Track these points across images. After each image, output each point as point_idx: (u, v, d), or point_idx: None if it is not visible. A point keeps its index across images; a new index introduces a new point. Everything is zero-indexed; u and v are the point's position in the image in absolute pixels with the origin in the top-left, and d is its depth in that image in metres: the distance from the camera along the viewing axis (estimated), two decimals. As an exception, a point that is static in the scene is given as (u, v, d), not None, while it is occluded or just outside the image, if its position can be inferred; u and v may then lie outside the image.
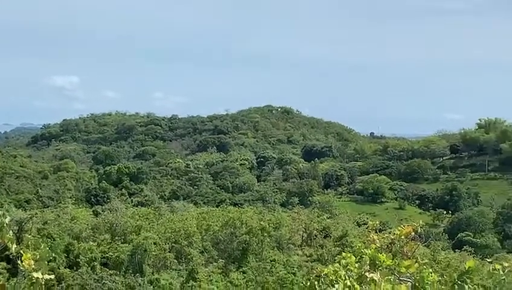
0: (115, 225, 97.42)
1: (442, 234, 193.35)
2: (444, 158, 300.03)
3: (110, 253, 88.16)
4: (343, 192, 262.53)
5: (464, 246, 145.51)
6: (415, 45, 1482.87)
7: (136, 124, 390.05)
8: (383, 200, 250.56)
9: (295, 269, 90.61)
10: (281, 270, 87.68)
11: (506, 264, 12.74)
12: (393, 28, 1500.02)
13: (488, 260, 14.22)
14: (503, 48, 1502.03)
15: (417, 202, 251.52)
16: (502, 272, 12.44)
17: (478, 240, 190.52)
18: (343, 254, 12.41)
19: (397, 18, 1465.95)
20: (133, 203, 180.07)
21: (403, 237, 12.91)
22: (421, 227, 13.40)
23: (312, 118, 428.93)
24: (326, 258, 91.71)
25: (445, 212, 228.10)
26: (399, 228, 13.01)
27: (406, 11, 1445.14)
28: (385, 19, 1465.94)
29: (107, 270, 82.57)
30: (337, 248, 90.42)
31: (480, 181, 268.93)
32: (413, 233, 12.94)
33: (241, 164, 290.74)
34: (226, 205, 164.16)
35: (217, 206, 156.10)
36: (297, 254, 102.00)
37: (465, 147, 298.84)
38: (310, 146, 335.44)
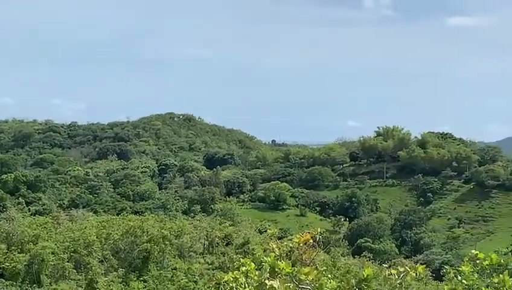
0: (11, 235, 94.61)
1: (342, 240, 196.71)
2: (344, 165, 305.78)
3: (6, 263, 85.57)
4: (245, 199, 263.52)
5: (363, 252, 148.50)
6: (315, 52, 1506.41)
7: (34, 131, 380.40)
8: (284, 207, 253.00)
9: (197, 277, 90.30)
10: (182, 279, 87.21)
11: (401, 269, 12.95)
12: (296, 34, 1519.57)
13: (385, 265, 14.40)
14: (401, 58, 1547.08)
15: (318, 208, 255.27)
16: (397, 277, 12.65)
17: (377, 245, 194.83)
18: (243, 261, 12.34)
19: (294, 24, 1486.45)
20: (30, 212, 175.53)
21: (302, 244, 12.94)
22: (320, 234, 13.47)
23: (214, 125, 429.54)
24: (228, 265, 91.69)
25: (344, 218, 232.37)
26: (298, 236, 13.03)
27: (304, 18, 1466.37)
28: (285, 24, 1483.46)
29: (3, 281, 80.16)
30: (239, 255, 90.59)
31: (378, 188, 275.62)
32: (311, 240, 12.99)
33: (142, 172, 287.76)
34: (127, 213, 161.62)
35: (118, 215, 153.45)
36: (199, 262, 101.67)
37: (364, 155, 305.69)
38: (212, 153, 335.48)
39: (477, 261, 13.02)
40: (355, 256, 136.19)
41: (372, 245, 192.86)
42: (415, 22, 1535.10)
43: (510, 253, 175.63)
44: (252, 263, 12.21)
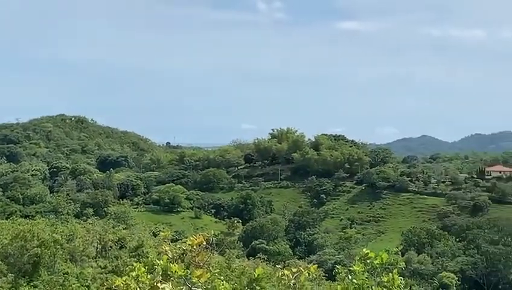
0: None
1: (237, 242, 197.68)
2: (239, 167, 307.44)
3: None
4: (140, 202, 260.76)
5: (258, 254, 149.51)
6: (209, 55, 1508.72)
7: None
8: (179, 209, 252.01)
9: (89, 281, 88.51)
10: (74, 283, 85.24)
11: (294, 270, 13.03)
12: (190, 37, 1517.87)
13: (279, 266, 14.48)
14: (294, 61, 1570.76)
15: (213, 211, 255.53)
16: (291, 277, 12.72)
17: (271, 247, 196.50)
18: (135, 265, 12.14)
19: (188, 27, 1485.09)
20: None
21: (195, 246, 12.83)
22: (214, 236, 13.40)
23: (107, 127, 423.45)
24: (121, 269, 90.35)
25: (239, 220, 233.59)
26: (191, 238, 12.92)
27: (197, 21, 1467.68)
28: (179, 28, 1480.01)
29: None
30: (133, 259, 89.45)
31: (273, 190, 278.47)
32: (205, 242, 12.91)
33: (32, 175, 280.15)
34: (16, 217, 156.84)
35: (7, 219, 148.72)
36: (92, 266, 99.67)
37: (259, 157, 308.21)
38: (105, 156, 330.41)
39: (368, 261, 13.23)
40: (250, 258, 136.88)
41: (267, 246, 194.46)
42: (307, 25, 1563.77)
43: (399, 252, 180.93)
44: (142, 267, 12.02)
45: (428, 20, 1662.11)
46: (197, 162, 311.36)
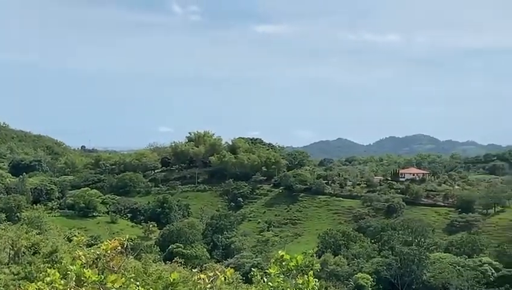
0: None
1: (154, 246, 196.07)
2: (156, 171, 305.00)
3: None
4: (54, 207, 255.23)
5: (175, 258, 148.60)
6: (123, 57, 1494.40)
7: None
8: (94, 214, 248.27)
9: (1, 288, 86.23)
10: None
11: (211, 274, 13.01)
12: (104, 38, 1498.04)
13: (195, 270, 14.43)
14: (211, 64, 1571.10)
15: (129, 215, 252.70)
16: (207, 281, 12.69)
17: (188, 251, 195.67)
18: (48, 271, 11.92)
19: (103, 28, 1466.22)
20: None
21: (109, 251, 12.66)
22: (131, 240, 13.27)
23: (21, 131, 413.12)
24: (35, 275, 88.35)
25: (156, 224, 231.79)
26: (105, 243, 12.74)
27: (112, 22, 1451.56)
28: (93, 28, 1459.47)
29: None
30: (47, 265, 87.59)
31: (190, 193, 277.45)
32: (120, 247, 12.75)
33: None
34: None
35: None
36: (4, 273, 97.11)
37: (176, 160, 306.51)
38: (17, 160, 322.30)
39: (283, 263, 13.33)
40: (167, 262, 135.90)
41: (184, 250, 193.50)
42: (224, 28, 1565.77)
43: (315, 254, 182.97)
44: (57, 273, 11.81)
45: (344, 24, 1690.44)
46: (113, 166, 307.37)
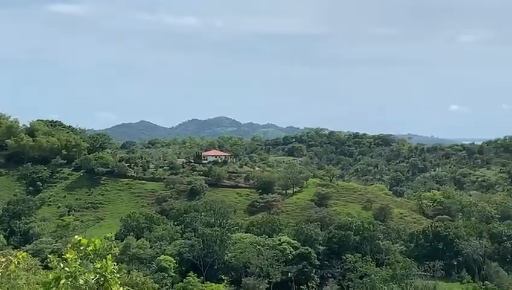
0: None
1: None
2: None
3: None
4: None
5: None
6: None
7: None
8: None
9: None
10: None
11: (3, 259, 12.23)
12: None
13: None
14: (11, 45, 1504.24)
15: None
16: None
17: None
18: None
19: None
20: None
21: None
22: None
23: None
24: None
25: None
26: None
27: None
28: None
29: None
30: None
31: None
32: None
33: None
34: None
35: None
36: None
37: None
38: None
39: (81, 248, 12.75)
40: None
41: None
42: (16, 7, 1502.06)
43: (118, 238, 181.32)
44: None
45: (144, 5, 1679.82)
46: None
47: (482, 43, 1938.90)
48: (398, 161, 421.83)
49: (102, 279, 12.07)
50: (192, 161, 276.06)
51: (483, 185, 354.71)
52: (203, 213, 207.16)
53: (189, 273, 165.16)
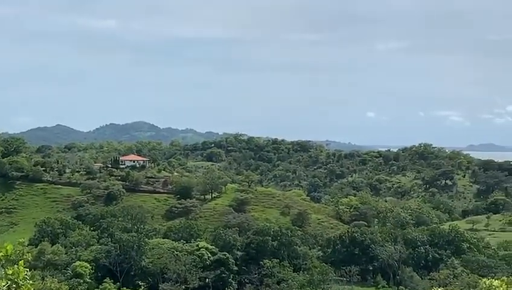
0: None
1: None
2: None
3: None
4: None
5: None
6: None
7: None
8: None
9: None
10: None
11: None
12: None
13: None
14: None
15: None
16: None
17: None
18: None
19: None
20: None
21: None
22: None
23: None
24: None
25: None
26: None
27: None
28: None
29: None
30: None
31: None
32: None
33: None
34: None
35: None
36: None
37: None
38: None
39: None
40: None
41: None
42: None
43: (31, 244, 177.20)
44: None
45: (62, 7, 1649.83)
46: None
47: (399, 52, 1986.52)
48: (316, 167, 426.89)
49: (14, 285, 11.59)
50: (110, 165, 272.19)
51: (399, 191, 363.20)
52: (120, 218, 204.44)
53: (106, 280, 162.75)
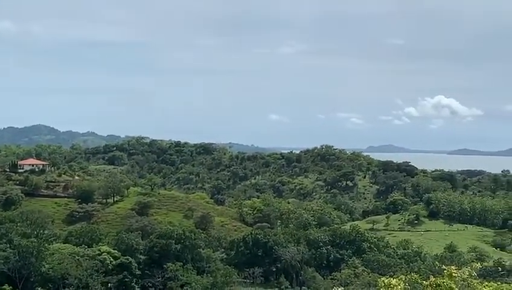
0: None
1: None
2: None
3: None
4: None
5: None
6: None
7: None
8: None
9: None
10: None
11: None
12: None
13: None
14: None
15: None
16: None
17: None
18: None
19: None
20: None
21: None
22: None
23: None
24: None
25: None
26: None
27: None
28: None
29: None
30: None
31: None
32: None
33: None
34: None
35: None
36: None
37: None
38: None
39: None
40: None
41: None
42: None
43: None
44: None
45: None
46: None
47: (300, 55, 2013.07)
48: (219, 170, 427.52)
49: None
50: (8, 170, 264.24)
51: (301, 193, 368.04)
52: (19, 224, 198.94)
53: (4, 287, 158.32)
